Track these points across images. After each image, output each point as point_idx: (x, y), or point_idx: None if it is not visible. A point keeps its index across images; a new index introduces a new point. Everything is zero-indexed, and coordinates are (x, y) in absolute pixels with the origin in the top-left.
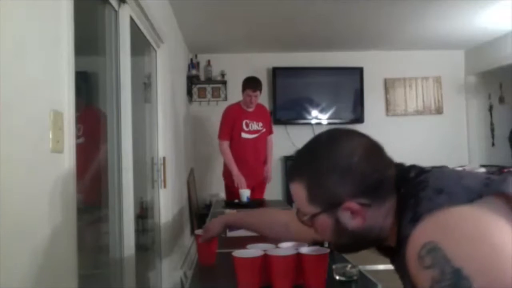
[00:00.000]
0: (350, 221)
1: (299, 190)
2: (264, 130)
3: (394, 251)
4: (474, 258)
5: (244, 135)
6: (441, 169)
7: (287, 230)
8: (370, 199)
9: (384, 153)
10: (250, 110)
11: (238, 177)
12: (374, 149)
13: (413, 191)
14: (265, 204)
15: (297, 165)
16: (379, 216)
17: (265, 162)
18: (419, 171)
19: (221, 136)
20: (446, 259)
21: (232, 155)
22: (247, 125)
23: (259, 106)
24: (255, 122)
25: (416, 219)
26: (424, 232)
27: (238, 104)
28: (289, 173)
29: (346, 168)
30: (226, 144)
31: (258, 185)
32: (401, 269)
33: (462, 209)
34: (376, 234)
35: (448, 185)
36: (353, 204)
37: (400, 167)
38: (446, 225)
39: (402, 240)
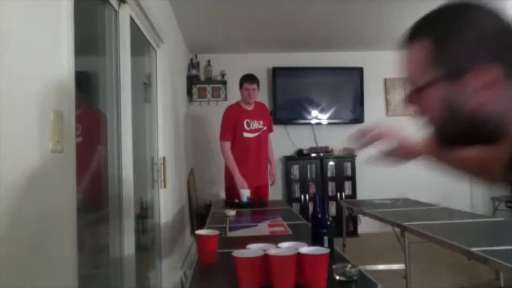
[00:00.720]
0: (470, 98)
1: (419, 51)
2: (265, 128)
3: None
4: None
5: (245, 134)
6: None
7: None
8: (505, 72)
9: None
10: (250, 108)
11: (241, 181)
12: None
13: None
14: (266, 204)
15: (424, 22)
16: (508, 99)
17: (268, 161)
18: None
19: (222, 137)
20: None
21: (234, 155)
22: (248, 124)
23: (259, 105)
24: (255, 121)
25: None
26: None
27: (237, 104)
28: (410, 31)
29: (485, 31)
30: (227, 145)
31: (262, 186)
32: None
33: None
34: (496, 122)
35: None
36: (487, 73)
37: None
38: None
39: None
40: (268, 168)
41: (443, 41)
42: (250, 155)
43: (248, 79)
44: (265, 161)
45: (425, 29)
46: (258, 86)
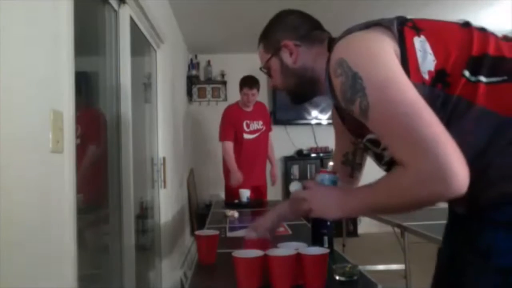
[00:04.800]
0: (289, 59)
1: (260, 49)
2: (264, 128)
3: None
4: (361, 63)
5: (245, 136)
6: None
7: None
8: (300, 41)
9: (315, 21)
10: (249, 110)
11: (236, 174)
12: (307, 16)
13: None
14: (266, 204)
15: (260, 35)
16: (309, 56)
17: (266, 162)
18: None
19: (223, 138)
20: (348, 67)
21: (235, 157)
22: (247, 126)
23: (258, 104)
24: (255, 122)
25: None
26: (335, 52)
27: (236, 104)
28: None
29: (284, 21)
30: (230, 145)
31: (260, 187)
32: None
33: (357, 33)
34: (310, 74)
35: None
36: (288, 43)
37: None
38: (347, 44)
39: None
40: (267, 168)
41: (266, 40)
42: (250, 156)
43: (248, 83)
44: (264, 161)
45: (259, 39)
46: (258, 89)
